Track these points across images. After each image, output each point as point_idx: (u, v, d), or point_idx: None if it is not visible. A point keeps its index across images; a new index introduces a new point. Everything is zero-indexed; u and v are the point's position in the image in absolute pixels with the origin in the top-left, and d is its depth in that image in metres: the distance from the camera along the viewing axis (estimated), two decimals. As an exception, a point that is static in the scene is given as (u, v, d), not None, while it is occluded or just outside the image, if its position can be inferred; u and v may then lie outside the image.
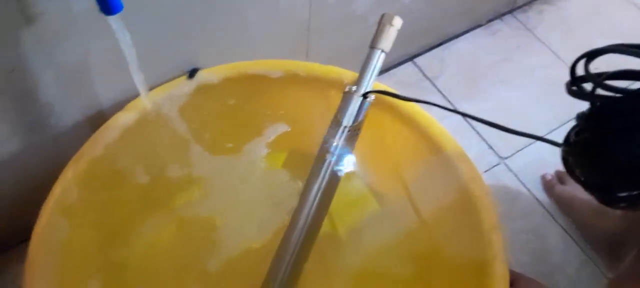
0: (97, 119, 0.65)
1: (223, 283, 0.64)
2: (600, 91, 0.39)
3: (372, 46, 0.68)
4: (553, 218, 0.86)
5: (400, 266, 0.69)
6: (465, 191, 0.63)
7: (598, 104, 0.39)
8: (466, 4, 1.03)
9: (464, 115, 0.60)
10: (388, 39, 0.68)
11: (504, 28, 1.14)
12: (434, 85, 1.02)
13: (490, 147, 0.94)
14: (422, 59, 1.05)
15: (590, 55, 0.40)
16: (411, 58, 1.05)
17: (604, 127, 0.38)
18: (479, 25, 1.13)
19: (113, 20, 0.50)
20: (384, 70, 1.02)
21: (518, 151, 0.93)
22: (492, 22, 1.15)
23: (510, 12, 1.17)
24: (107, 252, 0.62)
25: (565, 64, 1.08)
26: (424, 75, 1.03)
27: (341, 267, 0.70)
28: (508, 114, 0.98)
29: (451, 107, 0.96)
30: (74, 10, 0.52)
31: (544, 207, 0.87)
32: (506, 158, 0.93)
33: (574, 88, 0.40)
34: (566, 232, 0.84)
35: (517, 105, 1.00)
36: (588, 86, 0.41)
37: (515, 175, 0.90)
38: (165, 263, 0.65)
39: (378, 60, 0.67)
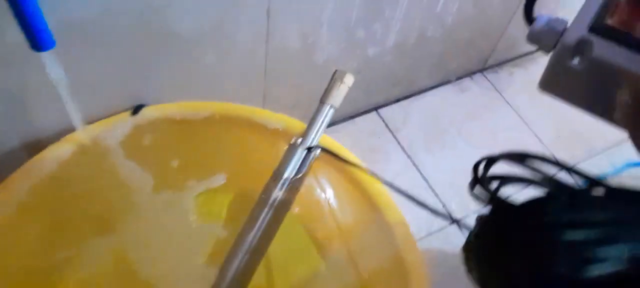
0: (35, 147, 0.64)
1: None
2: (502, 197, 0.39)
3: (322, 101, 0.68)
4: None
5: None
6: (399, 258, 0.62)
7: (494, 210, 0.38)
8: (436, 59, 1.04)
9: (388, 184, 0.60)
10: (338, 96, 0.68)
11: (473, 87, 1.15)
12: (394, 137, 1.02)
13: (444, 206, 0.94)
14: (387, 110, 1.06)
15: (489, 160, 0.40)
16: (376, 108, 1.05)
17: (497, 235, 0.37)
18: (449, 82, 1.14)
19: (44, 56, 0.49)
20: (347, 118, 1.03)
21: (472, 213, 0.93)
22: (462, 80, 1.16)
23: (481, 71, 1.19)
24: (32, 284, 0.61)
25: (530, 129, 1.09)
26: (386, 126, 1.03)
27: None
28: (465, 174, 0.98)
29: (407, 163, 0.96)
30: (7, 41, 0.51)
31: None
32: (459, 219, 0.92)
33: (474, 190, 0.39)
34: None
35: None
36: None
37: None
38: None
39: (326, 115, 0.67)
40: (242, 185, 0.73)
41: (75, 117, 0.58)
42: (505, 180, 0.38)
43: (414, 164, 0.98)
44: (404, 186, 0.94)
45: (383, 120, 1.04)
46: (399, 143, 1.01)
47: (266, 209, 0.64)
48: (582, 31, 0.34)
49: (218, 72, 0.73)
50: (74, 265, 0.65)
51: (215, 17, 0.66)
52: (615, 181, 0.35)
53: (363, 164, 0.67)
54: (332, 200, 0.72)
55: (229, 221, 0.71)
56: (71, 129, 0.64)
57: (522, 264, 0.34)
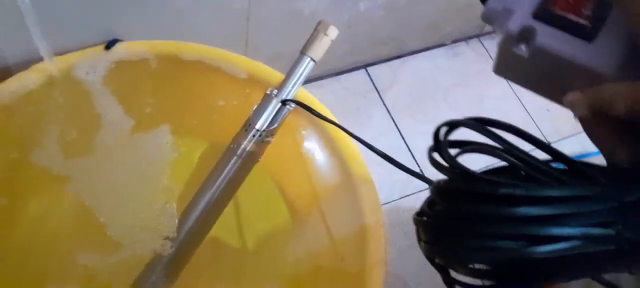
0: (3, 75, 0.63)
1: (108, 267, 0.63)
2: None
3: (302, 52, 0.66)
4: (466, 254, 0.86)
5: (293, 276, 0.68)
6: (362, 219, 0.62)
7: (451, 178, 0.37)
8: (430, 19, 1.01)
9: (363, 142, 0.59)
10: (319, 48, 0.67)
11: (468, 52, 1.13)
12: (380, 97, 1.00)
13: (421, 171, 0.93)
14: (376, 69, 1.04)
15: (451, 125, 0.38)
16: (364, 66, 1.03)
17: (453, 205, 0.36)
18: (443, 45, 1.12)
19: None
20: (334, 74, 1.01)
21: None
22: (457, 44, 1.13)
23: (477, 36, 1.16)
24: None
25: (519, 100, 1.08)
26: (374, 85, 1.02)
27: (233, 269, 0.70)
28: (448, 141, 0.97)
29: (390, 126, 0.95)
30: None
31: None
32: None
33: (434, 156, 0.38)
34: (475, 270, 0.85)
35: (456, 134, 0.99)
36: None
37: (439, 204, 0.90)
38: (56, 236, 0.64)
39: (306, 67, 0.66)
40: (214, 132, 0.72)
41: (43, 47, 0.56)
42: (466, 147, 0.36)
43: (396, 126, 0.97)
44: (383, 147, 0.94)
45: (371, 79, 1.02)
46: (384, 104, 1.00)
47: (234, 159, 0.63)
48: (527, 18, 0.33)
49: (196, 11, 0.71)
50: (31, 200, 0.65)
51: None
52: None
53: (337, 121, 0.66)
54: (306, 157, 0.71)
55: (199, 169, 0.71)
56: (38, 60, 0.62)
57: (470, 238, 0.34)
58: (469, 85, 1.07)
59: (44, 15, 0.54)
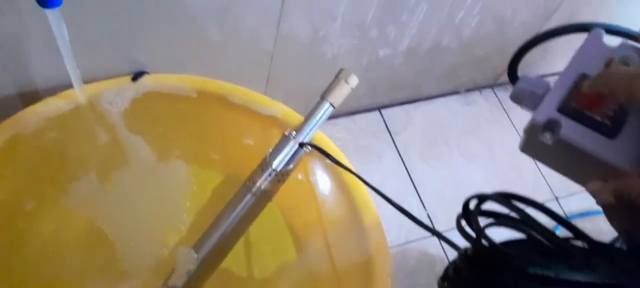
0: (30, 98, 0.64)
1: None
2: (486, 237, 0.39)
3: (323, 97, 0.67)
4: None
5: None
6: (370, 262, 0.63)
7: (477, 249, 0.38)
8: (447, 69, 1.03)
9: (377, 191, 0.60)
10: (340, 95, 0.68)
11: (481, 101, 1.15)
12: (392, 139, 1.02)
13: (429, 217, 0.94)
14: (390, 111, 1.05)
15: (480, 199, 0.39)
16: (379, 108, 1.05)
17: (479, 275, 0.37)
18: (456, 92, 1.14)
19: (49, 12, 0.49)
20: (348, 113, 1.02)
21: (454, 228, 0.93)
22: (471, 92, 1.15)
23: (491, 86, 1.18)
24: (8, 231, 0.62)
25: (529, 153, 1.08)
26: (387, 127, 1.03)
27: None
28: (456, 188, 0.98)
29: (400, 168, 0.96)
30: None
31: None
32: (443, 232, 0.93)
33: (462, 225, 0.39)
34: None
35: (469, 180, 1.00)
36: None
37: (444, 251, 0.91)
38: (66, 258, 0.65)
39: (325, 112, 0.67)
40: (232, 167, 0.74)
41: (75, 75, 0.58)
42: (495, 219, 0.38)
43: (406, 169, 0.98)
44: (392, 190, 0.95)
45: (384, 121, 1.04)
46: (395, 146, 1.01)
47: (248, 196, 0.64)
48: (552, 110, 0.35)
49: (223, 50, 0.73)
50: (42, 220, 0.66)
51: (227, -5, 0.65)
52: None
53: (352, 168, 0.67)
54: (316, 193, 0.73)
55: (214, 201, 0.72)
56: (65, 86, 0.64)
57: None
58: (480, 133, 1.09)
59: (78, 45, 0.56)
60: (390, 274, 0.62)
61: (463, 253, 0.42)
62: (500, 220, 0.42)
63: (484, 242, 0.40)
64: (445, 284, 0.43)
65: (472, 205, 0.42)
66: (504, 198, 0.39)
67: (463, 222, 0.42)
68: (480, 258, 0.40)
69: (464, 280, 0.41)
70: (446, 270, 0.44)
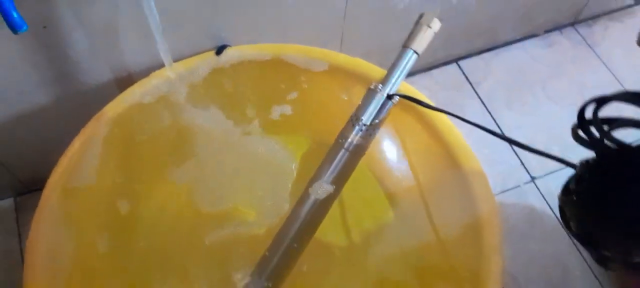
0: (125, 81, 0.67)
1: (219, 259, 0.65)
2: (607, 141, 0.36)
3: (405, 45, 0.66)
4: (576, 248, 0.82)
5: (400, 274, 0.68)
6: (474, 209, 0.61)
7: (602, 153, 0.36)
8: (523, 10, 0.98)
9: (484, 129, 0.57)
10: (423, 41, 0.66)
11: (562, 41, 1.08)
12: (475, 90, 0.98)
13: (522, 164, 0.90)
14: (468, 62, 1.02)
15: (600, 101, 0.37)
16: (456, 60, 1.02)
17: (604, 180, 0.35)
18: (535, 35, 1.08)
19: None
20: (424, 69, 1.00)
21: (551, 173, 0.89)
22: (550, 33, 1.09)
23: (572, 24, 1.11)
24: (117, 209, 0.65)
25: (623, 87, 1.01)
26: (467, 79, 1.00)
27: (340, 266, 0.70)
28: (548, 133, 0.93)
29: (486, 118, 0.92)
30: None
31: (568, 235, 0.83)
32: (537, 178, 0.89)
33: (580, 134, 0.37)
34: (588, 264, 0.80)
35: (560, 124, 0.95)
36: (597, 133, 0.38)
37: (544, 197, 0.86)
38: (170, 229, 0.68)
39: (409, 60, 0.65)
40: (318, 130, 0.74)
41: (165, 54, 0.60)
42: (616, 123, 0.35)
43: (493, 119, 0.95)
44: (479, 140, 0.92)
45: (463, 73, 1.00)
46: (478, 97, 0.97)
47: (342, 152, 0.64)
48: None
49: (298, 14, 0.73)
50: (149, 196, 0.68)
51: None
52: None
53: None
54: (407, 149, 0.71)
55: (304, 165, 0.72)
56: (156, 66, 0.66)
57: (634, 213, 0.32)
58: (567, 74, 1.03)
59: (167, 25, 0.57)
60: (497, 213, 0.60)
61: (584, 163, 0.39)
62: (622, 122, 0.39)
63: (609, 144, 0.38)
64: (568, 197, 0.41)
65: (589, 111, 0.39)
66: (633, 96, 0.36)
67: (580, 131, 0.40)
68: (604, 164, 0.37)
69: (586, 190, 0.39)
70: (567, 184, 0.42)
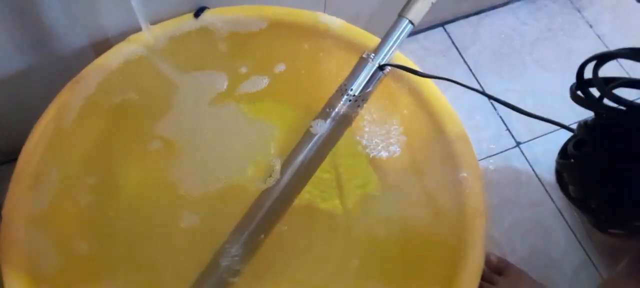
0: (102, 46, 0.65)
1: (204, 222, 0.65)
2: (607, 101, 0.35)
3: (401, 14, 0.64)
4: (560, 213, 0.82)
5: (384, 239, 0.68)
6: (457, 174, 0.60)
7: (604, 115, 0.35)
8: (511, -28, 0.96)
9: (480, 92, 0.56)
10: (420, 11, 0.64)
11: (550, 4, 1.07)
12: (461, 55, 0.97)
13: (508, 129, 0.90)
14: (454, 27, 1.00)
15: (601, 59, 0.36)
16: (442, 24, 1.00)
17: (607, 142, 0.34)
18: (523, -2, 1.06)
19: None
20: (410, 33, 0.98)
21: (536, 137, 0.88)
22: (538, -4, 1.07)
23: (560, -13, 1.09)
24: (95, 175, 0.64)
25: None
26: (453, 43, 0.98)
27: (324, 231, 0.70)
28: (535, 98, 0.93)
29: (472, 84, 0.92)
30: None
31: (552, 201, 0.83)
32: (523, 143, 0.88)
33: (579, 93, 0.36)
34: (571, 229, 0.81)
35: (547, 89, 0.94)
36: (596, 93, 0.37)
37: (529, 162, 0.86)
38: (150, 194, 0.67)
39: (403, 30, 0.64)
40: (303, 98, 0.72)
41: (142, 17, 0.58)
42: (615, 82, 0.34)
43: (479, 84, 0.94)
44: (466, 105, 0.91)
45: (450, 38, 0.99)
46: (465, 62, 0.96)
47: (328, 121, 0.63)
48: None
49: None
50: (131, 164, 0.67)
51: None
52: None
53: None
54: (393, 115, 0.70)
55: (290, 132, 0.71)
56: (133, 30, 0.64)
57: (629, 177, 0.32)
58: (554, 40, 1.02)
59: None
60: (480, 177, 0.60)
61: (583, 125, 0.38)
62: (622, 81, 0.38)
63: (611, 105, 0.36)
64: (567, 161, 0.40)
65: (589, 70, 0.38)
66: (635, 52, 0.35)
67: (578, 92, 0.39)
68: (607, 126, 0.36)
69: (586, 153, 0.38)
70: (564, 147, 0.41)
